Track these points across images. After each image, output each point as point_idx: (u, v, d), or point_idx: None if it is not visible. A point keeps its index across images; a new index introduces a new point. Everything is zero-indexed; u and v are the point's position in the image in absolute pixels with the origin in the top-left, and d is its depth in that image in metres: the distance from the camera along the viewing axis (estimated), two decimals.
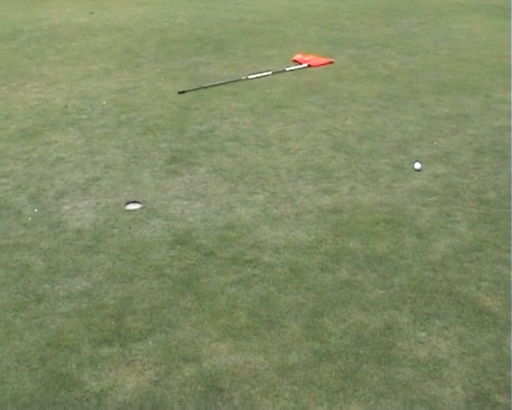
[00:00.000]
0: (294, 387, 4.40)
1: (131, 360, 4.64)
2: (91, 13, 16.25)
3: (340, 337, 4.86)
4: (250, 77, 11.02)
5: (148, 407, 4.23)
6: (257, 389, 4.38)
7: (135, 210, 6.74)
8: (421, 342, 4.83)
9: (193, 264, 5.78)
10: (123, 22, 15.26)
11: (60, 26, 15.01)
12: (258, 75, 11.10)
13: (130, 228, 6.37)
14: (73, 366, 4.58)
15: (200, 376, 4.49)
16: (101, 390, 4.37)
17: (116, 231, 6.33)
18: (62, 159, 8.00)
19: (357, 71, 11.37)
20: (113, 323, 5.02)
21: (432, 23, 14.65)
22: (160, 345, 4.79)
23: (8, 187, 7.29)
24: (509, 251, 5.87)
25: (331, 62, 11.90)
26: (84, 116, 9.42)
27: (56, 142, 8.53)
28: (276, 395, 4.33)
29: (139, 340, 4.84)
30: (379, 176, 7.45)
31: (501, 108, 9.24)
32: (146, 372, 4.53)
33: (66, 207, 6.79)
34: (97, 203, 6.86)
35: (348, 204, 6.81)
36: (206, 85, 10.62)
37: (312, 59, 11.98)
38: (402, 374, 4.52)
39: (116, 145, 8.33)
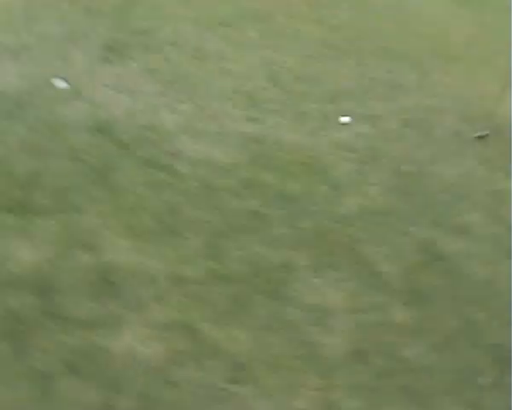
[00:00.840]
0: (184, 299, 4.43)
1: (31, 234, 4.58)
2: None
3: (238, 263, 4.91)
4: None
5: (39, 284, 4.19)
6: (147, 292, 4.39)
7: (61, 89, 6.59)
8: (315, 289, 4.91)
9: (109, 155, 5.72)
10: None
11: None
12: None
13: (52, 104, 6.24)
14: None
15: (95, 265, 4.48)
16: None
17: (38, 102, 6.19)
18: None
19: (306, 13, 11.29)
20: (20, 193, 4.93)
21: None
22: (61, 226, 4.73)
23: None
24: (415, 225, 5.98)
25: None
26: None
27: None
28: (165, 303, 4.36)
29: (42, 215, 4.76)
30: (306, 119, 7.49)
31: (435, 90, 9.32)
32: (43, 249, 4.47)
33: None
34: (24, 71, 6.67)
35: (271, 138, 6.82)
36: None
37: None
38: (290, 314, 4.60)
39: (55, 17, 8.08)
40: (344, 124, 7.56)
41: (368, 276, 5.24)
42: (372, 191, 6.45)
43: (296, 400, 4.00)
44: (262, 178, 6.09)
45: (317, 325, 4.59)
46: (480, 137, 7.64)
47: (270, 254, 5.12)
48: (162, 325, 4.21)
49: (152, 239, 4.90)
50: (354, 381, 4.23)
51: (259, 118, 7.18)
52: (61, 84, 6.65)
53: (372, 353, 4.50)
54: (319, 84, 8.56)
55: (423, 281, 5.32)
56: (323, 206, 5.96)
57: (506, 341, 4.57)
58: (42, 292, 4.16)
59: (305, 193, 6.06)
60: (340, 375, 4.25)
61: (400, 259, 5.54)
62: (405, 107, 8.59)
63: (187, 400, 3.80)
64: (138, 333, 4.10)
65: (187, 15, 9.49)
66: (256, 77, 8.18)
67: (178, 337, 4.16)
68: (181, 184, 5.63)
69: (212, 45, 8.74)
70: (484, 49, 10.49)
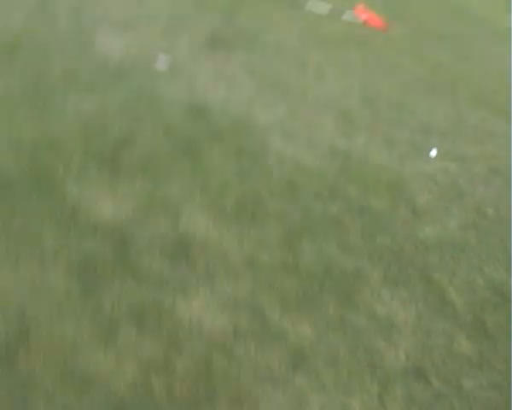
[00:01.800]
0: (255, 282, 4.45)
1: (115, 190, 4.68)
2: None
3: (312, 261, 4.92)
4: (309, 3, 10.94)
5: (115, 236, 4.27)
6: (221, 268, 4.44)
7: (163, 67, 6.72)
8: (384, 301, 4.89)
9: (200, 136, 5.80)
10: None
11: None
12: (318, 4, 11.02)
13: (152, 78, 6.39)
14: (60, 171, 4.62)
15: (173, 233, 4.55)
16: (78, 204, 4.43)
17: (140, 75, 6.35)
18: None
19: (409, 48, 11.31)
20: (111, 152, 5.08)
21: None
22: (144, 189, 4.86)
23: None
24: (488, 265, 5.90)
25: (386, 28, 11.82)
26: None
27: None
28: (236, 281, 4.39)
29: (128, 176, 4.89)
30: (395, 145, 7.45)
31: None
32: (124, 206, 4.58)
33: (100, 36, 6.77)
34: (130, 44, 6.85)
35: (360, 155, 6.84)
36: None
37: (371, 17, 11.87)
38: (357, 320, 4.58)
39: (166, 1, 8.26)
40: (432, 157, 7.52)
41: (437, 302, 5.18)
42: (451, 224, 6.39)
43: (351, 400, 3.98)
44: (346, 188, 6.09)
45: (382, 336, 4.56)
46: None
47: (345, 260, 5.11)
48: (231, 301, 4.24)
49: (232, 221, 4.93)
50: (410, 396, 4.20)
51: (350, 134, 7.19)
52: (163, 62, 6.76)
53: (431, 374, 4.45)
54: (412, 115, 8.54)
55: (490, 319, 5.23)
56: (402, 227, 5.93)
57: None
58: (118, 244, 4.25)
59: (386, 211, 6.04)
60: (397, 388, 4.22)
61: (470, 293, 5.48)
62: (494, 154, 8.50)
63: (244, 376, 3.82)
64: (206, 303, 4.14)
65: (291, 28, 9.64)
66: (352, 96, 8.22)
67: (245, 316, 4.18)
68: (267, 177, 5.68)
69: (314, 58, 8.83)
70: None
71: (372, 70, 9.52)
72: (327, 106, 7.60)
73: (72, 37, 6.46)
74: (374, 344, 4.45)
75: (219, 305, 4.18)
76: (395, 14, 12.89)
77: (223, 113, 6.32)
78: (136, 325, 3.77)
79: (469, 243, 6.19)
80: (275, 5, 10.23)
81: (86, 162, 4.81)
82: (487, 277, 5.73)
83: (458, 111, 9.25)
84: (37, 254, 4.05)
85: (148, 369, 3.60)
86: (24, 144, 4.75)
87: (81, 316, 3.71)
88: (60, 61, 5.94)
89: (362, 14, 11.83)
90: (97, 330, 3.65)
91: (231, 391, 3.71)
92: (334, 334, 4.37)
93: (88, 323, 3.67)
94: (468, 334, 4.93)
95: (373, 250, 5.40)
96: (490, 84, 10.74)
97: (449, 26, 13.67)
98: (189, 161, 5.39)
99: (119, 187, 4.73)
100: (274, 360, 3.99)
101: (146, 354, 3.66)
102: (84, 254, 4.09)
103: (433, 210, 6.47)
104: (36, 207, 4.27)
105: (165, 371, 3.63)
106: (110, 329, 3.68)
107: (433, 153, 7.59)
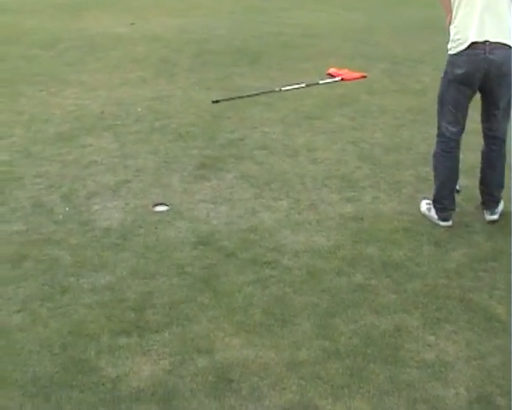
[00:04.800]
0: (301, 381, 4.56)
1: (147, 350, 4.84)
2: (132, 24, 16.62)
3: (350, 337, 5.01)
4: (284, 89, 11.20)
5: (160, 394, 4.43)
6: (265, 382, 4.55)
7: (162, 212, 6.96)
8: (429, 345, 4.96)
9: (213, 264, 5.97)
10: (162, 33, 15.60)
11: (99, 35, 15.41)
12: (292, 87, 11.29)
13: (155, 228, 6.59)
14: (92, 354, 4.80)
15: (212, 367, 4.68)
16: (117, 376, 4.57)
17: (142, 230, 6.55)
18: (95, 162, 8.28)
19: (388, 85, 11.52)
20: (133, 315, 5.24)
21: None
22: (176, 337, 4.98)
23: (42, 186, 7.57)
24: None
25: (364, 77, 12.05)
26: (119, 122, 9.71)
27: (91, 145, 8.83)
28: (283, 388, 4.50)
29: (156, 332, 5.04)
30: (402, 186, 7.59)
31: None
32: (160, 362, 4.73)
33: (96, 207, 7.05)
34: (126, 204, 7.10)
35: (369, 212, 6.96)
36: (239, 96, 10.84)
37: (346, 73, 12.14)
38: (407, 374, 4.65)
39: (148, 150, 8.60)
40: None
41: (483, 322, 5.23)
42: (477, 239, 6.46)
43: None
44: (365, 252, 6.20)
45: (437, 380, 4.61)
46: None
47: (381, 322, 5.20)
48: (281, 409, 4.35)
49: (263, 332, 5.06)
50: None
51: (356, 196, 7.33)
52: (161, 208, 7.01)
53: (496, 395, 4.49)
54: (410, 150, 8.68)
55: None
56: (430, 264, 6.01)
57: None
58: (163, 401, 4.39)
59: (410, 257, 6.13)
60: None
61: None
62: None
63: None
64: None
65: (273, 117, 9.86)
66: (347, 159, 8.37)
67: None
68: (286, 276, 5.80)
69: (302, 140, 9.02)
70: None
71: (361, 124, 9.69)
72: (326, 179, 7.76)
73: (71, 221, 6.73)
74: (431, 392, 4.50)
75: None
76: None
77: (229, 232, 6.50)
78: None
79: (501, 249, 6.24)
80: (251, 105, 10.49)
81: (113, 335, 5.00)
82: None
83: None
84: None
85: None
86: (53, 341, 4.97)
87: None
88: (67, 250, 6.19)
89: (336, 74, 12.10)
90: None
91: None
92: (390, 398, 4.43)
93: None
94: None
95: (406, 300, 5.49)
96: None
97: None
98: (208, 292, 5.55)
99: (150, 345, 4.90)
100: None
101: None
102: None
103: (455, 234, 6.55)
104: (78, 398, 4.45)
105: None
106: None
107: None
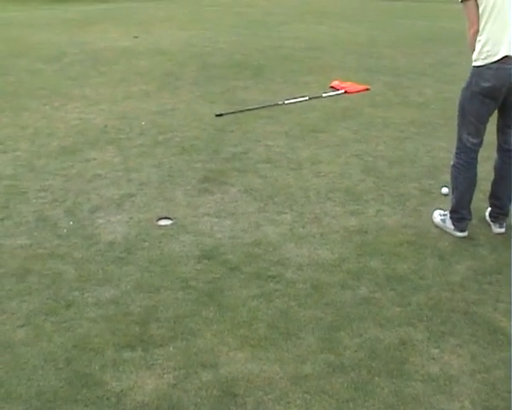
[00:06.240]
0: (306, 395, 4.54)
1: (152, 364, 4.82)
2: (135, 37, 16.69)
3: (355, 351, 5.00)
4: (287, 102, 11.27)
5: (164, 408, 4.40)
6: (270, 396, 4.52)
7: (166, 226, 6.97)
8: (434, 359, 4.94)
9: (218, 277, 5.97)
10: (165, 46, 15.68)
11: (104, 49, 15.49)
12: (295, 100, 11.35)
13: (160, 242, 6.59)
14: (96, 368, 4.79)
15: (217, 381, 4.66)
16: (121, 390, 4.56)
17: (146, 244, 6.55)
18: (99, 175, 8.30)
19: (392, 98, 11.58)
20: (137, 329, 5.23)
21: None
22: (180, 351, 4.97)
23: (46, 200, 7.59)
24: None
25: (367, 89, 12.11)
26: (122, 136, 9.76)
27: (95, 159, 8.86)
28: (287, 402, 4.48)
29: (161, 346, 5.02)
30: (406, 199, 7.61)
31: None
32: (165, 376, 4.71)
33: (100, 221, 7.05)
34: (130, 218, 7.11)
35: (374, 226, 6.97)
36: (242, 109, 10.88)
37: (349, 86, 12.21)
38: (412, 388, 4.63)
39: (151, 164, 8.62)
40: (445, 195, 7.61)
41: (487, 334, 5.22)
42: (482, 252, 6.47)
43: None
44: (369, 265, 6.20)
45: (441, 393, 4.59)
46: None
47: (386, 336, 5.19)
48: None
49: (268, 346, 5.05)
50: None
51: (360, 209, 7.34)
52: (165, 222, 7.01)
53: (502, 408, 4.47)
54: (414, 162, 8.71)
55: None
56: (434, 278, 6.01)
57: None
58: None
59: (414, 270, 6.13)
60: None
61: None
62: None
63: None
64: None
65: (277, 131, 9.89)
66: (351, 172, 8.40)
67: None
68: (290, 290, 5.79)
69: (305, 153, 9.05)
70: None
71: (364, 136, 9.73)
72: (330, 193, 7.77)
73: (75, 235, 6.73)
74: (436, 405, 4.48)
75: None
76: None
77: (233, 246, 6.50)
78: None
79: (506, 261, 6.23)
80: (255, 118, 10.52)
81: (118, 349, 4.99)
82: None
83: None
84: None
85: None
86: (57, 355, 4.96)
87: None
88: (71, 264, 6.19)
89: (340, 87, 12.14)
90: None
91: None
92: None
93: None
94: None
95: (411, 314, 5.48)
96: None
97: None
98: (213, 306, 5.54)
99: (154, 359, 4.88)
100: None
101: None
102: None
103: (459, 247, 6.56)
104: None
105: None
106: None
107: (445, 190, 7.67)
